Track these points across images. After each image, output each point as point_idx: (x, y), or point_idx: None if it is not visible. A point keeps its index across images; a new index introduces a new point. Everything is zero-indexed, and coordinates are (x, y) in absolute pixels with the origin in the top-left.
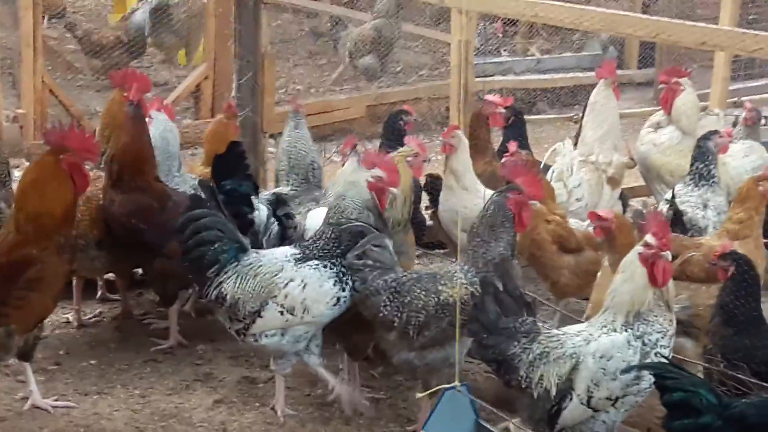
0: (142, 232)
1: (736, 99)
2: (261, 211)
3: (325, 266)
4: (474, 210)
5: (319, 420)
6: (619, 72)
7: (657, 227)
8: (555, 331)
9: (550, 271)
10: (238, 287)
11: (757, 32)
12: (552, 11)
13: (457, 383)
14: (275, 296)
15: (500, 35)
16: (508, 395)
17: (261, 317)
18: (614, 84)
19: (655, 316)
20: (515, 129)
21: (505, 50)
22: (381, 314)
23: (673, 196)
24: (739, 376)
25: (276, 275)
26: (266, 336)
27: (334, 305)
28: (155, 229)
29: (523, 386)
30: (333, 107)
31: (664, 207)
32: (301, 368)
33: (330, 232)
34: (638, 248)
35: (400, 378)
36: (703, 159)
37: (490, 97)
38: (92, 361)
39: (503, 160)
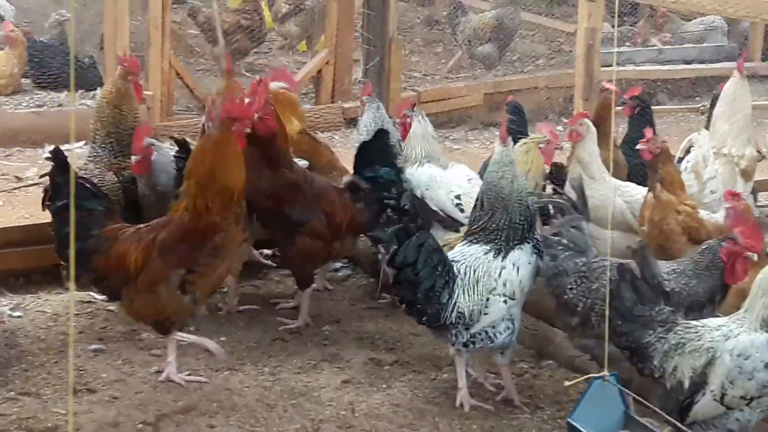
0: (290, 208)
1: None
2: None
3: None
4: (601, 200)
5: (446, 404)
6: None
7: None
8: (693, 323)
9: None
10: (468, 299)
11: None
12: None
13: (605, 372)
14: (494, 288)
15: (640, 41)
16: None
17: (486, 314)
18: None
19: None
20: (642, 118)
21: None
22: (566, 296)
23: None
24: None
25: (491, 271)
26: (500, 333)
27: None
28: (301, 205)
29: (657, 376)
30: (451, 94)
31: None
32: (427, 351)
33: (518, 218)
34: None
35: (525, 366)
36: None
37: (608, 85)
38: (222, 338)
39: (638, 146)
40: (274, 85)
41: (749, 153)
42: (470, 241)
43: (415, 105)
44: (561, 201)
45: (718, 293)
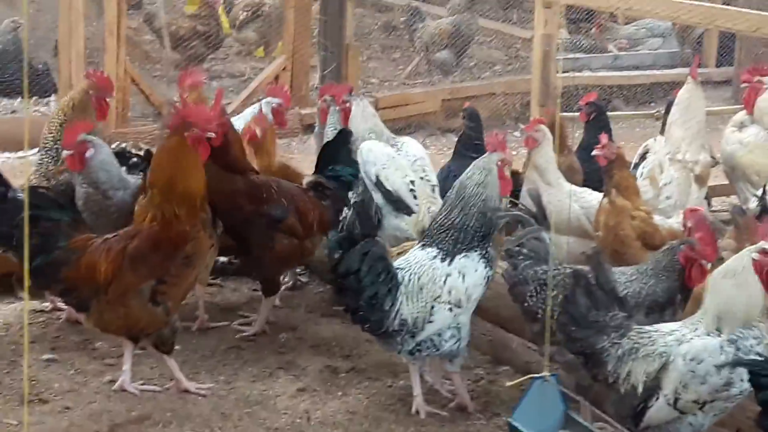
0: (268, 205)
1: None
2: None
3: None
4: (558, 206)
5: (402, 412)
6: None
7: None
8: (647, 328)
9: None
10: (412, 306)
11: None
12: (648, 3)
13: (546, 373)
14: (439, 296)
15: (596, 39)
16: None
17: (431, 321)
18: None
19: (757, 322)
20: (598, 124)
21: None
22: (526, 304)
23: (765, 192)
24: None
25: (436, 278)
26: (445, 341)
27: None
28: (277, 202)
29: (611, 381)
30: (409, 101)
31: (752, 204)
32: (384, 359)
33: (473, 222)
34: (753, 255)
35: (481, 372)
36: None
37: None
38: (177, 347)
39: (594, 152)
40: (269, 101)
41: (703, 159)
42: (424, 243)
43: (353, 89)
44: (522, 214)
45: (677, 294)
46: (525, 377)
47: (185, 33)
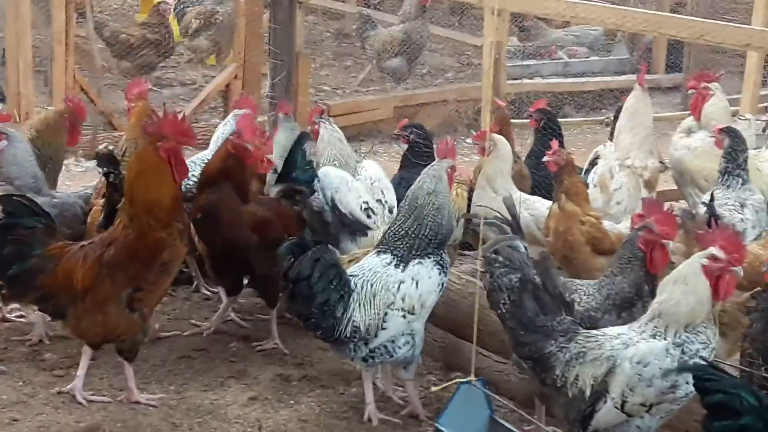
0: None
1: (767, 104)
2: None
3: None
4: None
5: (354, 419)
6: (646, 77)
7: (726, 240)
8: (594, 332)
9: (583, 272)
10: (365, 313)
11: None
12: (594, 11)
13: (472, 377)
14: (393, 303)
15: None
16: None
17: (385, 328)
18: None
19: (704, 327)
20: (548, 131)
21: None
22: (500, 311)
23: (712, 199)
24: None
25: (389, 285)
26: (398, 348)
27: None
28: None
29: (558, 385)
30: (361, 108)
31: (701, 209)
32: (336, 366)
33: (427, 230)
34: (701, 260)
35: (433, 378)
36: (735, 159)
37: (499, 101)
38: None
39: (544, 158)
40: (236, 112)
41: (652, 164)
42: (378, 250)
43: (324, 112)
44: (497, 222)
45: (644, 286)
46: (451, 382)
47: (135, 41)
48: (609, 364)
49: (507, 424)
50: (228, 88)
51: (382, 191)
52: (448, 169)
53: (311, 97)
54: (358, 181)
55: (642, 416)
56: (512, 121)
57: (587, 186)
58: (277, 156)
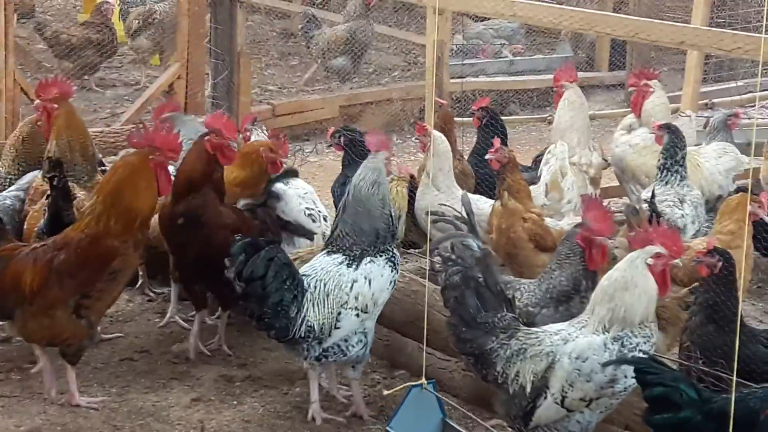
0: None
1: (707, 101)
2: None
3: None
4: (447, 211)
5: (298, 419)
6: (589, 74)
7: (664, 236)
8: (534, 329)
9: (526, 269)
10: (318, 312)
11: (734, 32)
12: (531, 10)
13: (423, 381)
14: (346, 302)
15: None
16: (487, 393)
17: (338, 327)
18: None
19: (647, 323)
20: (490, 129)
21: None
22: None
23: (653, 196)
24: (719, 373)
25: (342, 284)
26: (352, 346)
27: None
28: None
29: (500, 382)
30: (306, 107)
31: (644, 206)
32: (280, 366)
33: (377, 223)
34: (646, 260)
35: (378, 376)
36: (673, 155)
37: (440, 100)
38: None
39: (487, 156)
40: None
41: (596, 161)
42: (328, 250)
43: (255, 119)
44: (453, 219)
45: (582, 281)
46: (402, 385)
47: (78, 42)
48: (549, 360)
49: (459, 428)
50: (172, 88)
51: (313, 201)
52: (384, 161)
53: (257, 97)
54: (292, 190)
55: (582, 411)
56: (458, 119)
57: (531, 183)
58: None
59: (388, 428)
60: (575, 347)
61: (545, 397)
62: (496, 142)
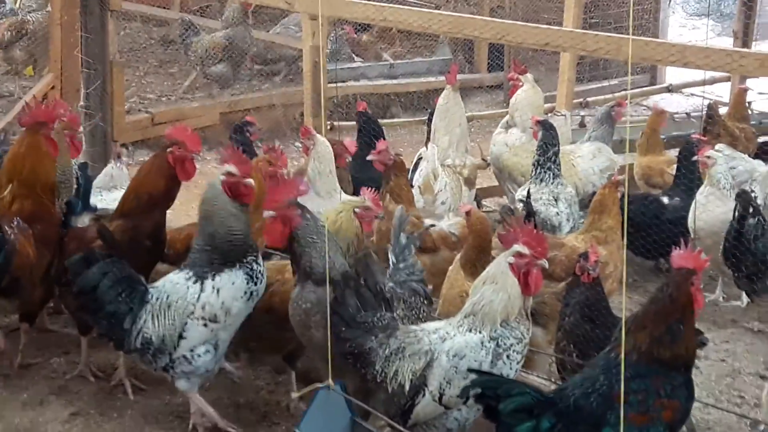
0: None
1: (581, 100)
2: None
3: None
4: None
5: (180, 428)
6: (469, 76)
7: (529, 236)
8: (413, 327)
9: None
10: (158, 324)
11: (596, 33)
12: (400, 15)
13: (330, 382)
14: (192, 312)
15: (353, 37)
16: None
17: (185, 338)
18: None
19: (517, 322)
20: (367, 132)
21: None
22: None
23: (528, 195)
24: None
25: (188, 295)
26: (198, 356)
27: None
28: None
29: (379, 380)
30: (186, 115)
31: (519, 205)
32: (162, 376)
33: (218, 240)
34: (508, 258)
35: (262, 383)
36: (545, 152)
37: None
38: None
39: (368, 157)
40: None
41: (469, 162)
42: (182, 265)
43: (120, 155)
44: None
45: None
46: (310, 387)
47: None
48: (427, 358)
49: (369, 426)
50: (46, 99)
51: None
52: (223, 176)
53: (135, 106)
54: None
55: (459, 408)
56: (341, 123)
57: (412, 187)
58: None
59: (296, 430)
60: (453, 345)
61: (424, 395)
62: (381, 144)
